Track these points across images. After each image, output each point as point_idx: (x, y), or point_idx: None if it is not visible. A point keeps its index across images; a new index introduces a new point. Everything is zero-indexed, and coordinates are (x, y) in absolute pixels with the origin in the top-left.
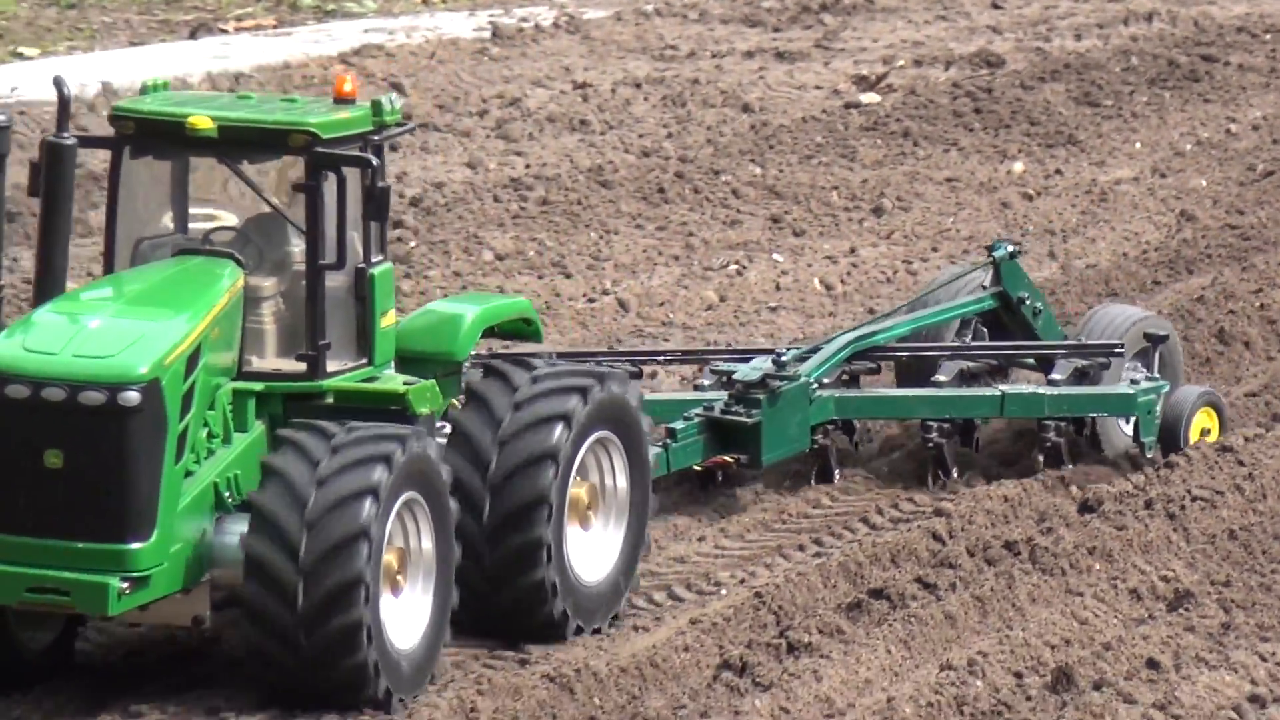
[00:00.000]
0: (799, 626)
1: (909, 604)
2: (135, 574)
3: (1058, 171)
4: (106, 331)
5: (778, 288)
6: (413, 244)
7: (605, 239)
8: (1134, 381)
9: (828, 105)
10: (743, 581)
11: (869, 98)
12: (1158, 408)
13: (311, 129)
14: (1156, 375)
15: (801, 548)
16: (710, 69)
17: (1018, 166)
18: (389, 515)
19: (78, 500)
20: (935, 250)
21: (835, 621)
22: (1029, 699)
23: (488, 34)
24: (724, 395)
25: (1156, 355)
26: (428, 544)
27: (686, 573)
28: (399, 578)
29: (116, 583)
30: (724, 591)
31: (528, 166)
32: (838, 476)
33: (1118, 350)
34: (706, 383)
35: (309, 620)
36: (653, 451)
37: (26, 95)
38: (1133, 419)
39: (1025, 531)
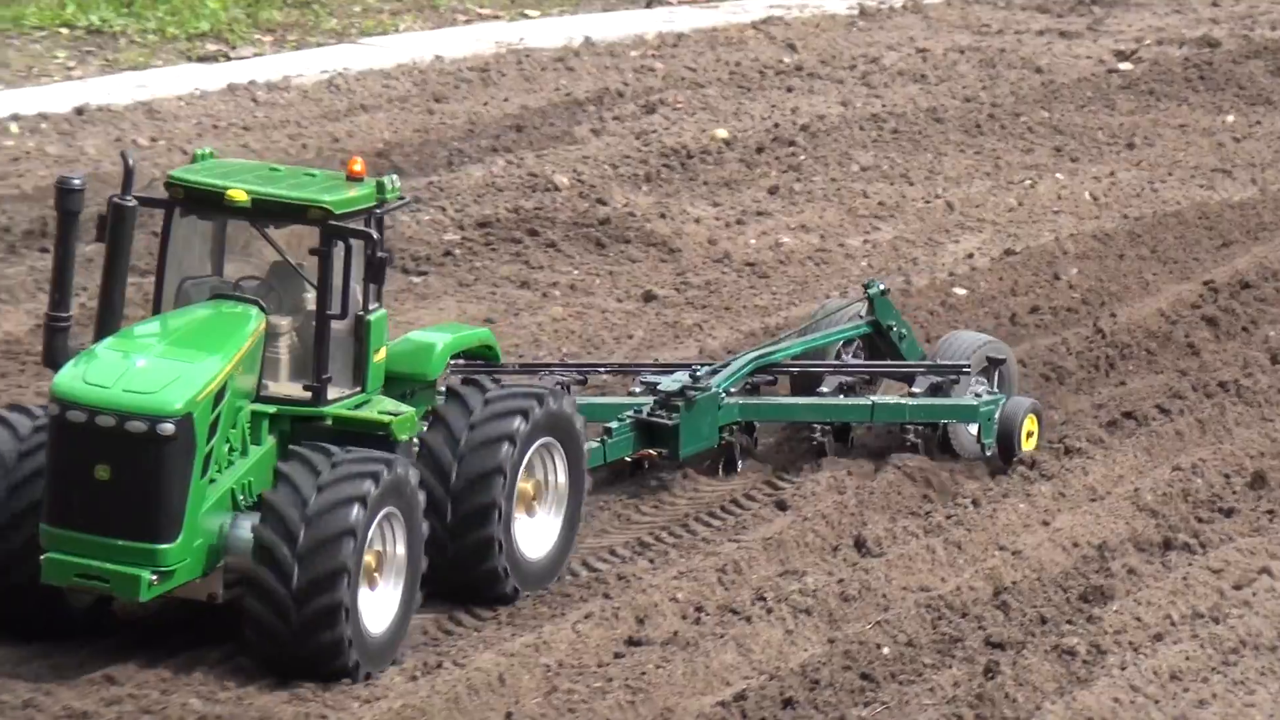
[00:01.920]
0: (1073, 436)
1: (1150, 424)
2: (163, 569)
3: (1258, 122)
4: (151, 370)
5: (1059, 197)
6: (802, 157)
7: (937, 159)
8: (977, 395)
9: (1095, 70)
10: None
11: (1125, 65)
12: (996, 416)
13: (326, 205)
14: (995, 390)
15: None
16: (1013, 41)
17: (1229, 118)
18: (372, 521)
19: (120, 507)
20: (1170, 175)
21: (1099, 434)
22: (1234, 493)
23: (856, 12)
24: (650, 400)
25: (996, 373)
26: (401, 550)
27: None
28: (375, 575)
29: (148, 575)
30: None
31: (883, 105)
32: (740, 466)
33: (965, 370)
34: (637, 390)
35: (301, 597)
36: (591, 446)
37: (530, 43)
38: (976, 425)
39: (1233, 375)
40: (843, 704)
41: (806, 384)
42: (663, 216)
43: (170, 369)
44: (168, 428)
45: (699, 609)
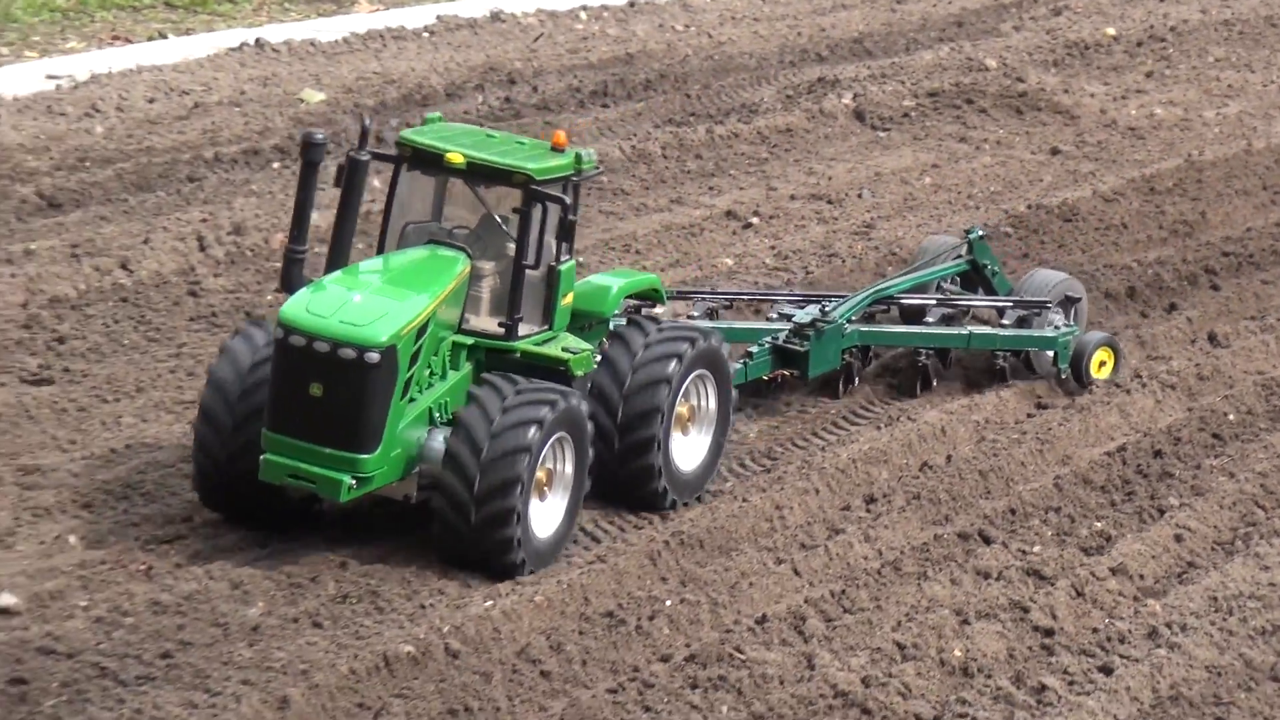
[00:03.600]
0: None
1: None
2: (363, 475)
3: None
4: (364, 305)
5: None
6: (1170, 50)
7: (1273, 54)
8: (1055, 327)
9: None
10: None
11: None
12: (1070, 346)
13: (529, 171)
14: (1071, 323)
15: None
16: None
17: None
18: (546, 442)
19: (329, 420)
20: None
21: None
22: None
23: None
24: (786, 328)
25: (1073, 309)
26: (569, 469)
27: None
28: (545, 489)
29: (348, 479)
30: None
31: (1233, 13)
32: (857, 382)
33: (1046, 304)
34: (774, 318)
35: (481, 499)
36: (735, 367)
37: None
38: (1053, 353)
39: None
40: (1198, 455)
41: (911, 315)
42: (1066, 92)
43: (381, 305)
44: (374, 356)
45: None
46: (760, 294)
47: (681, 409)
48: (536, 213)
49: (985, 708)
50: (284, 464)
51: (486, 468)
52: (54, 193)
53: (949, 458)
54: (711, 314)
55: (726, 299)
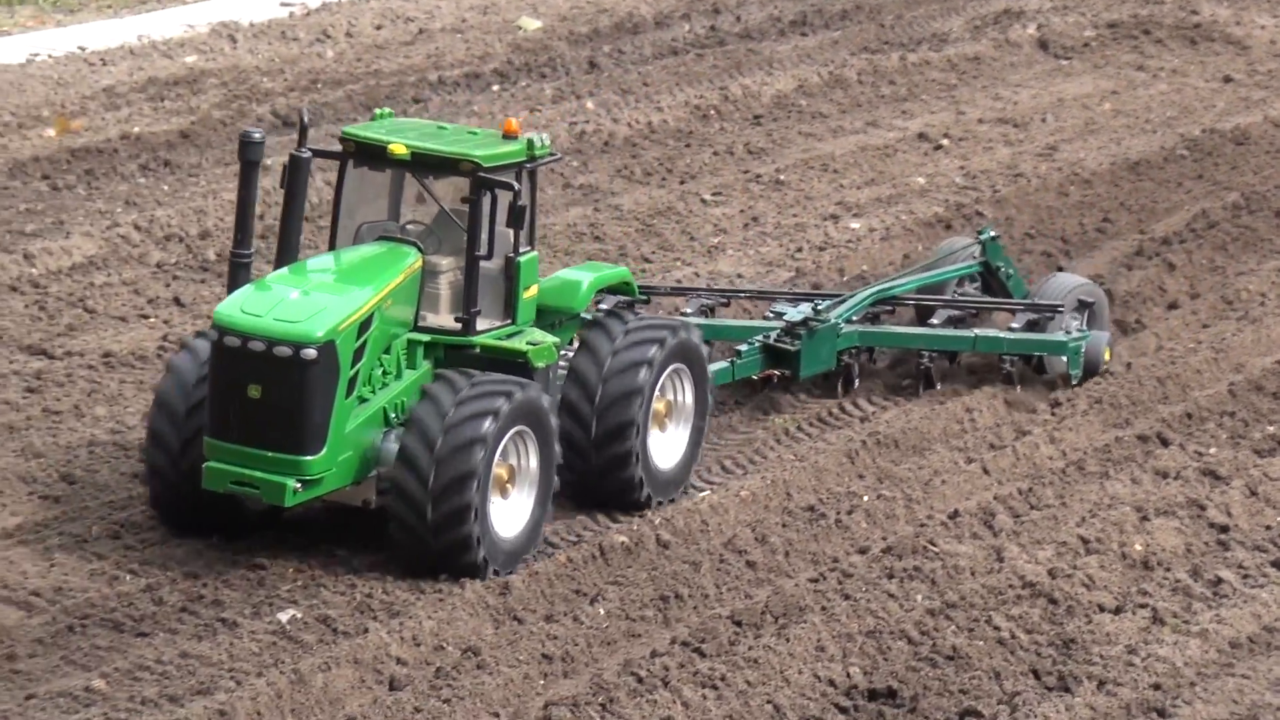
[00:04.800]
0: None
1: None
2: (308, 478)
3: None
4: (301, 302)
5: None
6: None
7: None
8: (1068, 330)
9: None
10: None
11: None
12: (1082, 351)
13: (476, 159)
14: (1085, 328)
15: None
16: None
17: None
18: (504, 436)
19: (270, 422)
20: None
21: None
22: None
23: None
24: (777, 325)
25: (1086, 313)
26: (534, 464)
27: None
28: (508, 486)
29: (293, 483)
30: None
31: None
32: (857, 384)
33: (1059, 309)
34: (769, 316)
35: (436, 496)
36: (722, 365)
37: None
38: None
39: None
40: None
41: (923, 314)
42: (1238, 24)
43: (318, 301)
44: (311, 353)
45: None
46: (757, 292)
47: (658, 404)
48: (486, 202)
49: (1164, 599)
50: (227, 471)
51: (441, 463)
52: (288, 112)
53: (1129, 365)
54: (707, 311)
55: (724, 296)
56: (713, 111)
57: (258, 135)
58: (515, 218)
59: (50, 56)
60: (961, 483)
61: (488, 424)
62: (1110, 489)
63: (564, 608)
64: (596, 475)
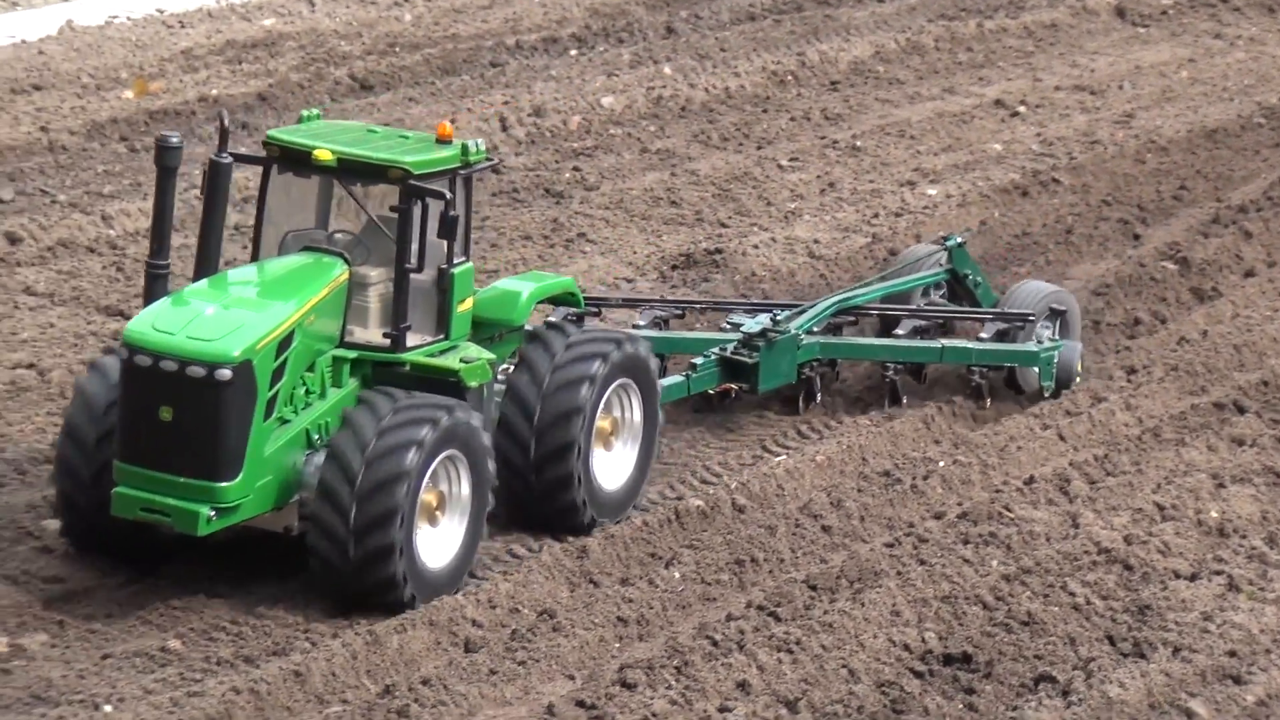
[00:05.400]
0: None
1: None
2: (222, 505)
3: None
4: (216, 319)
5: None
6: None
7: None
8: (1039, 341)
9: None
10: None
11: None
12: (1055, 361)
13: (405, 166)
14: (1057, 337)
15: None
16: None
17: None
18: (430, 464)
19: (182, 446)
20: None
21: None
22: None
23: None
24: (734, 337)
25: (1058, 322)
26: (465, 490)
27: None
28: (437, 513)
29: (206, 510)
30: None
31: None
32: (819, 398)
33: (1030, 318)
34: (726, 327)
35: (358, 534)
36: (677, 379)
37: None
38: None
39: None
40: None
41: (889, 325)
42: None
43: (235, 317)
44: (225, 374)
45: None
46: (713, 302)
47: (603, 421)
48: (417, 211)
49: (1240, 565)
50: (136, 497)
51: (362, 499)
52: (365, 75)
53: (1205, 333)
54: (660, 324)
55: (678, 308)
56: (790, 77)
57: (175, 140)
58: (447, 228)
59: (129, 19)
60: (1037, 449)
61: (411, 456)
62: (1186, 456)
63: (639, 571)
64: (536, 499)
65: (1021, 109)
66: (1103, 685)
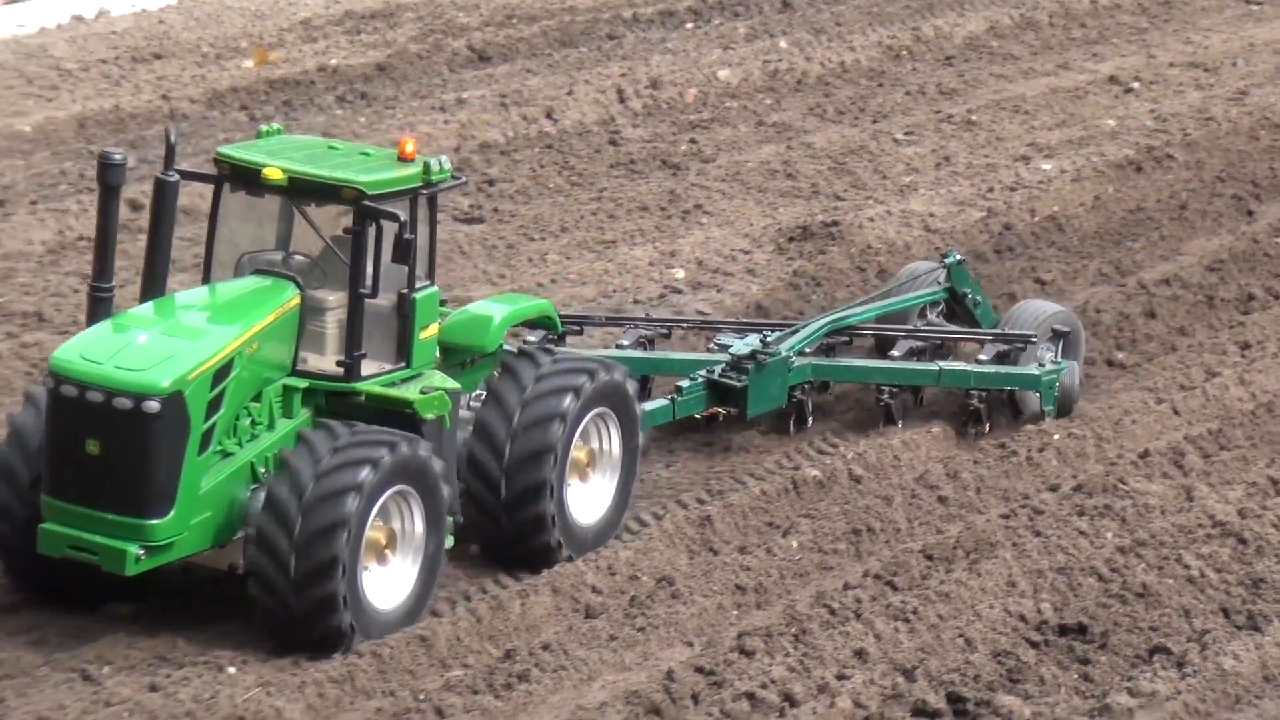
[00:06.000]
0: None
1: None
2: (153, 544)
3: None
4: (146, 348)
5: None
6: None
7: None
8: (1041, 364)
9: None
10: None
11: None
12: (1057, 385)
13: (360, 186)
14: (1060, 360)
15: None
16: None
17: None
18: (373, 506)
19: (110, 481)
20: None
21: None
22: None
23: None
24: (723, 359)
25: (1060, 343)
26: (419, 527)
27: None
28: (387, 552)
29: (134, 549)
30: None
31: None
32: (810, 422)
33: (1031, 340)
34: (714, 348)
35: (298, 586)
36: (661, 403)
37: None
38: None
39: None
40: None
41: (885, 346)
42: None
43: (168, 345)
44: (153, 406)
45: None
46: (701, 322)
47: (579, 452)
48: (371, 232)
49: None
50: (64, 534)
51: (300, 550)
52: (483, 46)
53: None
54: (645, 344)
55: (664, 327)
56: (905, 51)
57: (118, 157)
58: (401, 252)
59: None
60: (1151, 423)
61: (350, 502)
62: None
63: (757, 540)
64: (509, 540)
65: (1135, 85)
66: (1217, 657)
